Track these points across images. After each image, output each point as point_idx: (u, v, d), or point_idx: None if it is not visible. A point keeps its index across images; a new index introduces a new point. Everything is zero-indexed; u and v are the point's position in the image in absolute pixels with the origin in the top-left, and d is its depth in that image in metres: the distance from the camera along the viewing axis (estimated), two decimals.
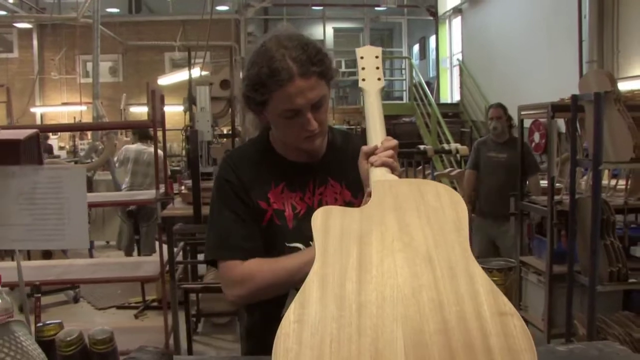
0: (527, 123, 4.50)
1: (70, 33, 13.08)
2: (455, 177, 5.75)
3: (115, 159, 6.19)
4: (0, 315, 0.92)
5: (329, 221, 1.09)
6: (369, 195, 1.18)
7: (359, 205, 1.40)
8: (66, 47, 13.69)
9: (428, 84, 12.93)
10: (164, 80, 9.38)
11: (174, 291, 4.01)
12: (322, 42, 1.42)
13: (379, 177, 1.22)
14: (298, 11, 14.15)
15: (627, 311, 3.63)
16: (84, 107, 12.62)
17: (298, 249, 1.34)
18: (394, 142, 1.28)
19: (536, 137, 5.81)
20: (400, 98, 14.03)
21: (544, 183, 4.31)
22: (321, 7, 14.29)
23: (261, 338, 1.47)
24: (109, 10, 13.98)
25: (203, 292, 4.51)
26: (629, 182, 3.75)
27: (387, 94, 12.90)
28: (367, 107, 1.36)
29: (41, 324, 0.96)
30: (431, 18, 13.16)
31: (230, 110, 5.34)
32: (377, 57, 1.40)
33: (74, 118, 12.98)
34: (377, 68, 1.39)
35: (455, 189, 1.78)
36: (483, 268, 0.99)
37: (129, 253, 6.03)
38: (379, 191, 1.16)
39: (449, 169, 6.75)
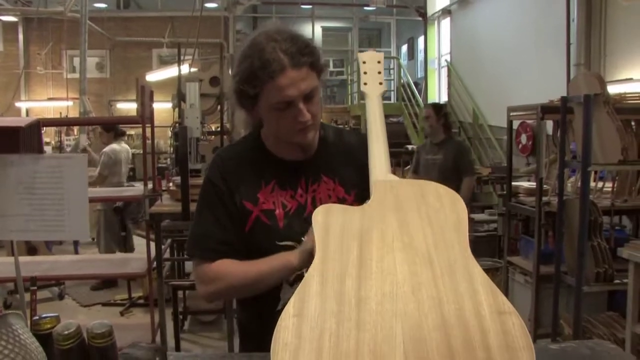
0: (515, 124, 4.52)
1: (57, 27, 12.93)
2: None
3: (101, 160, 5.97)
4: None
5: (329, 218, 1.10)
6: None
7: (351, 202, 1.41)
8: (53, 41, 13.53)
9: (416, 84, 12.97)
10: (152, 77, 9.32)
11: (161, 288, 3.98)
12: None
13: (380, 177, 1.24)
14: (287, 9, 14.12)
15: (611, 312, 3.68)
16: (70, 103, 12.48)
17: (290, 247, 1.34)
18: None
19: (523, 138, 5.87)
20: (388, 98, 14.04)
21: (531, 184, 4.34)
22: (310, 6, 14.26)
23: (255, 333, 1.48)
24: (97, 5, 13.85)
25: (190, 290, 4.48)
26: (616, 184, 3.79)
27: None
28: (369, 111, 1.40)
29: (37, 317, 0.95)
30: (420, 19, 13.18)
31: (219, 107, 5.32)
32: (379, 62, 1.46)
33: (60, 113, 12.83)
34: (379, 73, 1.44)
35: None
36: None
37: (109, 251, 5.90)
38: (380, 191, 1.17)
39: None
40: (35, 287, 1.71)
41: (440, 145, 4.91)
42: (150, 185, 3.89)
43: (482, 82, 9.79)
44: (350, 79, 14.02)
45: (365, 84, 1.44)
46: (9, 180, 1.46)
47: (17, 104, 13.35)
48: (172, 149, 6.89)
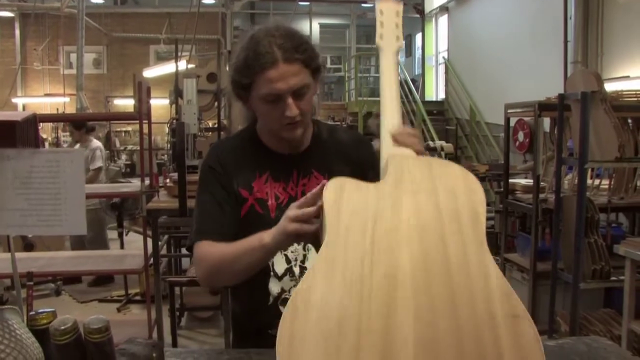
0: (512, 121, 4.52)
1: (53, 23, 12.89)
2: None
3: (97, 155, 5.96)
4: None
5: (342, 195, 1.04)
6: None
7: None
8: (49, 37, 13.48)
9: (413, 81, 12.95)
10: (149, 73, 9.28)
11: (157, 284, 3.98)
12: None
13: (393, 150, 1.15)
14: (285, 6, 14.10)
15: (608, 308, 3.69)
16: (67, 99, 12.45)
17: None
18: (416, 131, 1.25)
19: (520, 136, 5.86)
20: None
21: (528, 182, 4.34)
22: (308, 3, 14.24)
23: (246, 326, 1.49)
24: (94, 1, 13.81)
25: (187, 286, 4.48)
26: (612, 182, 3.80)
27: (372, 90, 12.87)
28: (383, 70, 1.27)
29: (34, 312, 0.95)
30: (417, 16, 13.17)
31: (216, 103, 5.31)
32: (398, 14, 1.31)
33: (57, 109, 12.80)
34: (397, 26, 1.30)
35: None
36: None
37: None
38: (396, 169, 1.09)
39: None
40: (32, 283, 1.70)
41: None
42: (147, 182, 3.88)
43: (480, 80, 9.80)
44: (348, 76, 14.00)
45: (380, 36, 1.28)
46: (5, 174, 1.46)
47: (14, 100, 13.31)
48: (169, 146, 6.87)
